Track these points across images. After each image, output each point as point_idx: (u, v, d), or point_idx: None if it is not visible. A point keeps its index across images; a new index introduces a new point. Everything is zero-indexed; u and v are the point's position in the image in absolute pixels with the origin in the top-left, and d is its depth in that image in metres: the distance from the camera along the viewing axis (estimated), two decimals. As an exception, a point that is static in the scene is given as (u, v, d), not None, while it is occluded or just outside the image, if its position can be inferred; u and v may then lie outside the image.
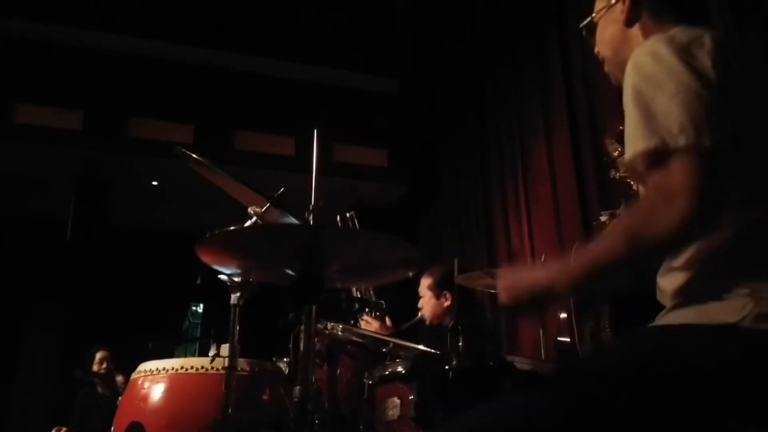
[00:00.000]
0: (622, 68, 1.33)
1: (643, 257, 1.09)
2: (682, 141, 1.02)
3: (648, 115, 1.07)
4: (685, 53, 1.11)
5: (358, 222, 3.03)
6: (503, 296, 1.19)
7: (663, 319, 1.14)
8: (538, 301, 1.17)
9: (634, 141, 1.07)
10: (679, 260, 1.12)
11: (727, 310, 1.02)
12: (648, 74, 1.11)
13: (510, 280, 1.19)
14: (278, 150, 6.57)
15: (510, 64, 5.36)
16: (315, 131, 1.89)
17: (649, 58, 1.13)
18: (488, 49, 5.75)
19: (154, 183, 6.95)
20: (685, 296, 1.11)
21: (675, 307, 1.13)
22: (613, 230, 1.12)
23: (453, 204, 6.24)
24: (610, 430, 1.01)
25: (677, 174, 1.01)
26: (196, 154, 1.86)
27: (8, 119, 6.01)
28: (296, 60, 6.91)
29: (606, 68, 1.42)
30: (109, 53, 6.38)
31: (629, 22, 1.33)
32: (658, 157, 1.04)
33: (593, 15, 1.41)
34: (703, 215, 0.99)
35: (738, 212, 1.06)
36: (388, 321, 3.40)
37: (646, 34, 1.29)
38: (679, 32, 1.17)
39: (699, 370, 1.00)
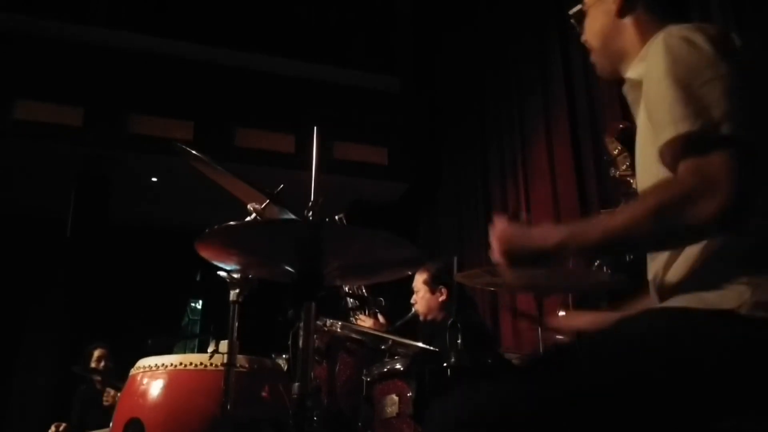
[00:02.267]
0: (610, 59, 1.35)
1: (666, 241, 1.07)
2: (726, 129, 1.01)
3: (688, 97, 1.05)
4: (717, 43, 1.11)
5: (356, 220, 3.02)
6: (496, 247, 1.15)
7: (661, 304, 1.13)
8: (535, 260, 1.13)
9: (674, 122, 1.04)
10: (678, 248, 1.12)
11: (725, 297, 1.02)
12: (683, 58, 1.10)
13: (508, 233, 1.15)
14: (278, 147, 6.57)
15: (511, 62, 5.36)
16: (315, 129, 1.89)
17: (683, 42, 1.12)
18: (489, 47, 5.75)
19: (154, 179, 6.95)
20: (684, 282, 1.11)
21: (673, 293, 1.12)
22: (638, 205, 1.05)
23: (453, 202, 6.25)
24: (605, 414, 1.01)
25: (722, 162, 0.99)
26: (196, 151, 1.86)
27: (8, 115, 6.01)
28: (297, 57, 6.91)
29: (593, 58, 1.41)
30: (109, 49, 6.37)
31: (622, 13, 1.32)
32: (697, 141, 1.02)
33: (583, 3, 1.41)
34: (740, 209, 0.98)
35: None
36: (381, 318, 3.40)
37: (640, 27, 1.30)
38: (705, 25, 1.16)
39: (695, 355, 1.00)
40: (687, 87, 1.05)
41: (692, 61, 1.09)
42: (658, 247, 1.13)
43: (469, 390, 1.10)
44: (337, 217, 2.78)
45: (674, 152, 1.05)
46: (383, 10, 7.57)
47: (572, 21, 1.44)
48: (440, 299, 3.15)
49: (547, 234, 1.11)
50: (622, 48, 1.32)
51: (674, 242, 1.08)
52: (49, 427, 4.11)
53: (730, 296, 1.02)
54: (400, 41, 7.60)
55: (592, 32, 1.39)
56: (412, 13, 7.56)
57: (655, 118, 1.10)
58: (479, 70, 5.92)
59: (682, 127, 1.03)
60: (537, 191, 4.75)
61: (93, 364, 4.48)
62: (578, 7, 1.42)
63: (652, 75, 1.14)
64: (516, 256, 1.13)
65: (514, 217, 1.22)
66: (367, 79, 7.20)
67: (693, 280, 1.09)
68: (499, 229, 1.16)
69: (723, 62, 1.07)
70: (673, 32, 1.15)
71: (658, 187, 1.07)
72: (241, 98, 6.63)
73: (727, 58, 1.08)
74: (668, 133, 1.04)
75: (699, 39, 1.11)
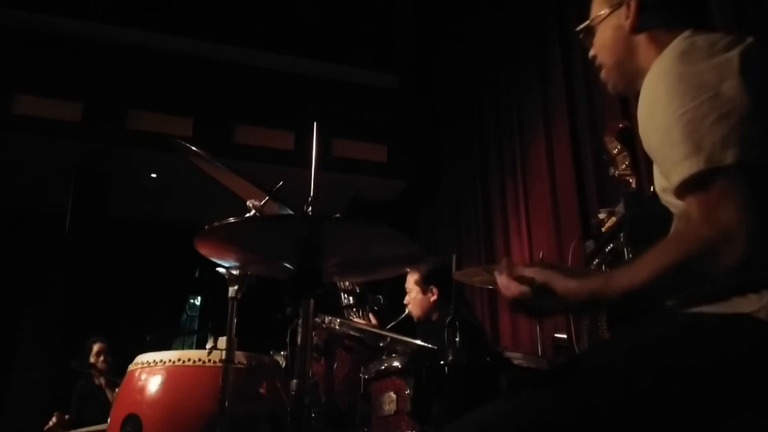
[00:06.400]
0: (624, 76, 1.28)
1: (687, 289, 1.05)
2: (730, 157, 0.97)
3: (687, 132, 1.01)
4: (710, 56, 1.06)
5: (355, 217, 3.03)
6: (507, 292, 1.16)
7: (673, 307, 1.11)
8: (562, 309, 1.14)
9: (678, 163, 1.01)
10: None
11: (743, 300, 1.00)
12: (674, 88, 1.05)
13: (552, 277, 1.13)
14: (278, 144, 6.57)
15: (511, 60, 5.36)
16: (314, 126, 1.88)
17: (674, 71, 1.08)
18: (489, 45, 5.75)
19: (153, 175, 6.94)
20: (699, 287, 1.08)
21: (687, 297, 1.09)
22: (659, 259, 1.01)
23: (452, 200, 6.25)
24: (616, 423, 1.01)
25: (731, 205, 0.96)
26: (196, 148, 1.86)
27: (7, 110, 6.00)
28: (297, 54, 6.90)
29: (603, 75, 1.34)
30: (109, 45, 6.36)
31: (636, 29, 1.24)
32: (702, 179, 0.99)
33: (592, 18, 1.32)
34: (758, 247, 0.96)
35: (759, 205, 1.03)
36: (373, 319, 3.39)
37: (655, 42, 1.21)
38: (699, 38, 1.11)
39: (709, 361, 0.99)
40: (688, 122, 1.01)
41: (687, 85, 1.04)
42: (679, 295, 1.11)
43: (484, 409, 1.10)
44: (333, 218, 2.78)
45: (685, 193, 1.03)
46: (383, 7, 7.56)
47: (580, 37, 1.36)
48: (432, 299, 3.13)
49: (581, 287, 1.10)
50: (638, 65, 1.24)
51: (693, 288, 1.06)
52: (46, 422, 4.12)
53: (749, 299, 1.00)
54: (400, 38, 7.59)
55: (602, 49, 1.31)
56: (412, 10, 7.56)
57: (662, 160, 1.07)
58: (478, 67, 5.91)
59: (688, 169, 1.00)
60: (536, 189, 4.75)
61: (92, 359, 4.49)
62: (586, 22, 1.33)
63: (645, 109, 1.11)
64: (548, 298, 1.13)
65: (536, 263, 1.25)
66: (367, 76, 7.19)
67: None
68: (537, 271, 1.15)
69: (718, 75, 1.03)
70: (666, 59, 1.11)
71: (677, 241, 1.05)
72: (241, 95, 6.62)
73: (723, 70, 1.03)
74: (676, 177, 1.02)
75: (689, 55, 1.07)
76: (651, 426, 1.01)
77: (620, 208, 2.61)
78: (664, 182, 1.11)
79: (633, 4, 1.24)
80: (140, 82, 6.36)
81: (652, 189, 1.58)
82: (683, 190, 1.02)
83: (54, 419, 4.08)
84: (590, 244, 2.87)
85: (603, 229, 2.71)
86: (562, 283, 1.11)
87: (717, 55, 1.06)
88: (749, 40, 1.10)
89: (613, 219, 2.65)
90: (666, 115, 1.05)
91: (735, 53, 1.06)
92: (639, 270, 1.04)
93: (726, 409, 0.99)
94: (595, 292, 1.08)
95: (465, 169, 6.01)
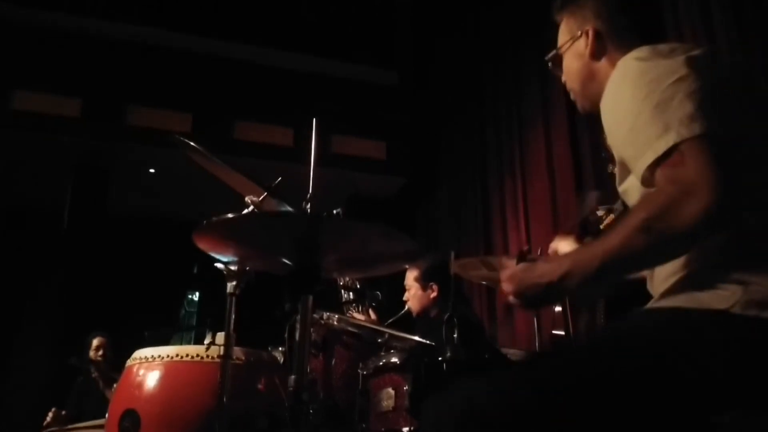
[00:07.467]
0: (589, 98, 1.37)
1: (662, 251, 1.07)
2: (696, 128, 1.02)
3: (657, 114, 1.06)
4: (669, 55, 1.14)
5: (354, 214, 3.03)
6: (508, 290, 1.18)
7: (655, 304, 1.15)
8: (546, 297, 1.16)
9: (651, 142, 1.05)
10: None
11: (718, 297, 1.03)
12: (638, 80, 1.12)
13: (516, 275, 1.18)
14: (277, 140, 6.57)
15: (510, 57, 5.35)
16: (314, 122, 1.89)
17: (637, 63, 1.15)
18: (489, 42, 5.75)
19: (152, 171, 6.94)
20: (677, 283, 1.12)
21: (667, 293, 1.13)
22: (626, 225, 1.05)
23: (451, 197, 6.25)
24: (599, 409, 1.02)
25: (696, 164, 1.01)
26: (195, 143, 1.86)
27: (6, 106, 5.99)
28: (296, 50, 6.89)
29: (573, 97, 1.44)
30: (108, 40, 6.36)
31: (595, 56, 1.35)
32: (668, 150, 1.04)
33: (558, 48, 1.43)
34: (725, 204, 0.99)
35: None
36: (372, 315, 3.39)
37: (614, 64, 1.28)
38: (657, 45, 1.20)
39: (687, 353, 1.01)
40: (657, 104, 1.07)
41: (651, 76, 1.11)
42: (656, 260, 1.13)
43: (466, 386, 1.11)
44: (335, 211, 2.78)
45: (655, 169, 1.06)
46: (383, 4, 7.55)
47: (549, 64, 1.46)
48: (432, 296, 3.12)
49: (551, 269, 1.13)
50: (600, 87, 1.31)
51: (669, 251, 1.09)
52: (44, 418, 4.13)
53: (723, 296, 1.03)
54: (400, 35, 7.58)
55: (569, 75, 1.42)
56: (412, 6, 7.55)
57: (632, 146, 1.11)
58: (478, 64, 5.91)
59: (661, 148, 1.04)
60: (535, 187, 4.75)
61: (91, 353, 4.50)
62: (553, 52, 1.44)
63: (613, 106, 1.16)
64: (527, 296, 1.17)
65: (521, 257, 1.27)
66: (366, 72, 7.19)
67: (687, 280, 1.10)
68: (508, 272, 1.19)
69: (680, 66, 1.10)
70: (627, 59, 1.19)
71: (643, 202, 1.09)
72: (240, 91, 6.62)
73: (683, 63, 1.10)
74: (649, 156, 1.06)
75: (651, 55, 1.15)
76: (624, 412, 1.02)
77: (619, 206, 2.61)
78: (626, 183, 1.17)
79: (590, 34, 1.35)
80: (139, 77, 6.35)
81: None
82: (654, 167, 1.06)
83: (51, 415, 4.09)
84: (589, 241, 2.87)
85: (601, 227, 2.71)
86: (534, 274, 1.15)
87: (676, 54, 1.14)
88: (707, 47, 1.18)
89: (612, 216, 2.65)
90: (634, 103, 1.10)
91: (695, 53, 1.14)
92: (611, 237, 1.07)
93: (704, 400, 1.00)
94: (571, 268, 1.10)
95: (464, 166, 6.01)
